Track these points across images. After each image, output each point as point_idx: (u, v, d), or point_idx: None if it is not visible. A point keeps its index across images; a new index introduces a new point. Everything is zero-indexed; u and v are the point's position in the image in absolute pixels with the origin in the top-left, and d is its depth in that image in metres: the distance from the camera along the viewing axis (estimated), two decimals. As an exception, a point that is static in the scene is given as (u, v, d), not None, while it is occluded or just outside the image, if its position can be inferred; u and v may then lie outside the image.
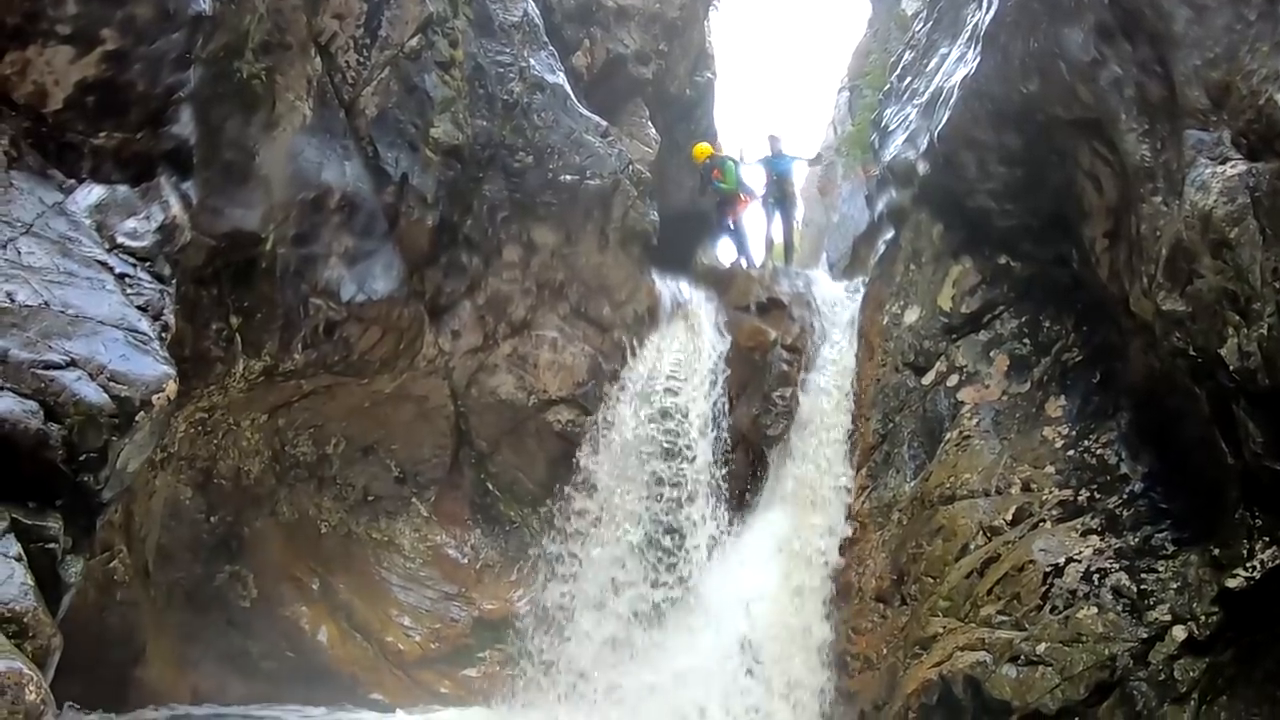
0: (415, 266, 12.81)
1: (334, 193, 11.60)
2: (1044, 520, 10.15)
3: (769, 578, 12.34)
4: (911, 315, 12.92)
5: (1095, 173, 10.05)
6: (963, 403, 11.83)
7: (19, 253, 7.82)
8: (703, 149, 17.88)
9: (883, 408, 12.65)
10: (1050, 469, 10.55)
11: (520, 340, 14.36)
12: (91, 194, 8.79)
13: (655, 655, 12.38)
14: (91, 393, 7.20)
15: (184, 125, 9.46)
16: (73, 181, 8.70)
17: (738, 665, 11.77)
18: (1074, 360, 11.07)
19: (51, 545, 6.85)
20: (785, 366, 13.88)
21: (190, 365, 9.88)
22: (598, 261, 14.51)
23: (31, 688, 5.61)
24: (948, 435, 11.72)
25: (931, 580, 10.68)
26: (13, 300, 7.41)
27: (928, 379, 12.38)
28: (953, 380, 12.08)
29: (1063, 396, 10.98)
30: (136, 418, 7.48)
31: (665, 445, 13.68)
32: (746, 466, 13.72)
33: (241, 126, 10.45)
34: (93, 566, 8.97)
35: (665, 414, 13.80)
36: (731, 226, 18.10)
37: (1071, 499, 10.15)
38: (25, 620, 6.19)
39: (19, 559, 6.42)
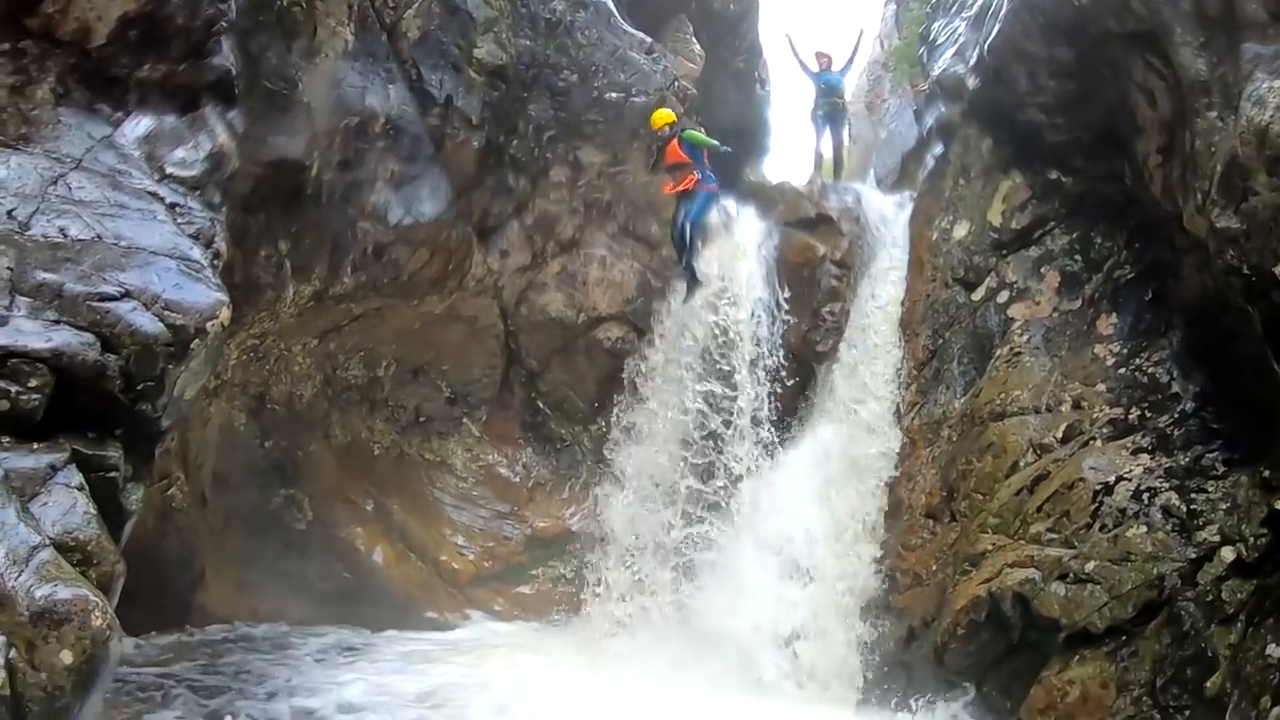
0: (462, 188, 12.82)
1: (378, 117, 11.60)
2: (1094, 438, 10.10)
3: (819, 495, 12.37)
4: (961, 230, 12.78)
5: (1149, 86, 9.83)
6: (1013, 319, 11.73)
7: (70, 188, 7.93)
8: (662, 114, 14.08)
9: (932, 324, 12.57)
10: (1101, 387, 10.47)
11: (569, 258, 14.40)
12: (140, 125, 8.90)
13: (704, 574, 12.49)
14: (147, 322, 7.33)
15: (226, 55, 9.51)
16: (120, 114, 8.82)
17: (788, 583, 11.83)
18: (1126, 277, 10.92)
19: (112, 474, 7.04)
20: (835, 282, 13.76)
21: (241, 292, 9.97)
22: (645, 180, 14.40)
23: (97, 613, 5.79)
24: (998, 352, 11.64)
25: (981, 497, 10.68)
26: (65, 235, 7.53)
27: (978, 295, 12.28)
28: (1003, 296, 11.97)
29: (1114, 314, 10.85)
30: (191, 345, 7.61)
31: (715, 359, 13.62)
32: (796, 382, 13.68)
33: (283, 55, 10.45)
34: (151, 494, 9.11)
35: (713, 329, 13.76)
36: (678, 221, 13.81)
37: (1122, 417, 10.08)
38: (89, 548, 6.37)
39: (81, 488, 6.58)
